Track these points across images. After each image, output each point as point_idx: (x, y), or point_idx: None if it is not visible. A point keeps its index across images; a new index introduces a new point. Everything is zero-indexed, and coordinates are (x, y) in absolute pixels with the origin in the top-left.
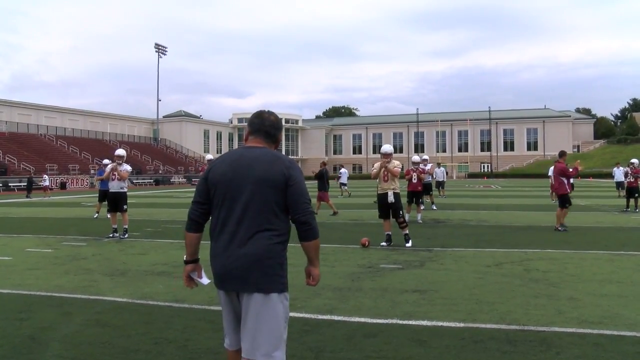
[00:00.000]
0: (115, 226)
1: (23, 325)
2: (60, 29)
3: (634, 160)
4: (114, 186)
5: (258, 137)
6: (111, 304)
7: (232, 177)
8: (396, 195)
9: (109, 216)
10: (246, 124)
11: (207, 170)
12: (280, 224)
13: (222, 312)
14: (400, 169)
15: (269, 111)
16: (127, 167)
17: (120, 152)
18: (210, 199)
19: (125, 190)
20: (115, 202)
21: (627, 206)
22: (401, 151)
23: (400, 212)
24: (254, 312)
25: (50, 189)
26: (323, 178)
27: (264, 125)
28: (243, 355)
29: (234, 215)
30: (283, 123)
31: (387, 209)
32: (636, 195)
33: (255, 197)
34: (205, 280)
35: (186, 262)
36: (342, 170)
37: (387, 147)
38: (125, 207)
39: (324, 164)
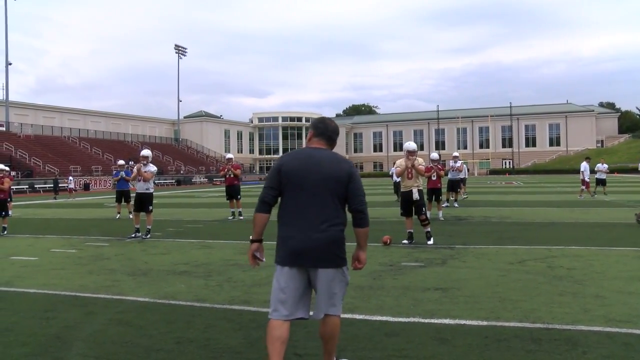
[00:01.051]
0: (138, 226)
1: (49, 324)
2: (81, 32)
3: None
4: (140, 187)
5: (321, 140)
6: (133, 304)
7: (304, 171)
8: (420, 192)
9: (131, 216)
10: (266, 123)
11: (279, 164)
12: (341, 212)
13: (279, 286)
14: (423, 167)
15: (330, 118)
16: (151, 168)
17: (145, 152)
18: (280, 188)
19: (152, 191)
20: (141, 202)
21: None
22: (422, 148)
23: (423, 210)
24: (327, 282)
25: (75, 191)
26: None
27: (328, 131)
28: (327, 311)
29: (306, 204)
30: (303, 122)
31: (410, 206)
32: None
33: (324, 190)
34: (264, 259)
35: (252, 241)
36: None
37: (411, 145)
38: (150, 207)
39: None
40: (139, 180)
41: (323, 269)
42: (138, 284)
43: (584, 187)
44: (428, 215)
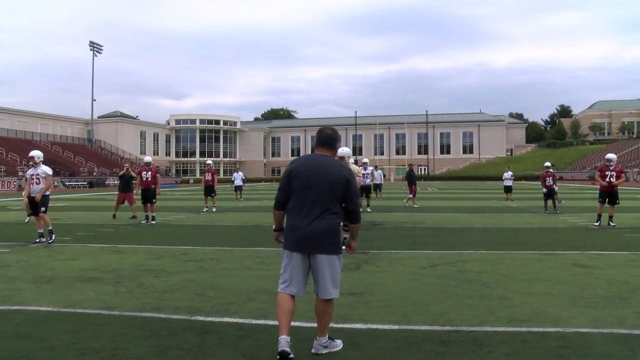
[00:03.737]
0: (41, 230)
1: None
2: None
3: (548, 164)
4: (34, 190)
5: (321, 147)
6: (34, 314)
7: (312, 175)
8: None
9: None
10: (184, 126)
11: (290, 169)
12: (339, 209)
13: (288, 268)
14: (360, 178)
15: (326, 127)
16: (45, 169)
17: (32, 152)
18: (290, 189)
19: (47, 193)
20: (35, 205)
21: (546, 208)
22: None
23: None
24: (323, 267)
25: None
26: (128, 180)
27: (322, 138)
28: (320, 296)
29: (310, 200)
30: (221, 125)
31: None
32: (554, 197)
33: (325, 190)
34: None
35: (275, 230)
36: (236, 174)
37: (345, 150)
38: (43, 209)
39: (127, 166)
40: (33, 184)
41: (320, 254)
42: (41, 292)
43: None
44: None
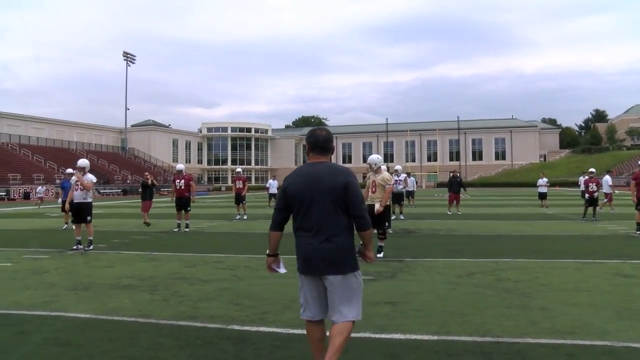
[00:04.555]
0: (79, 238)
1: None
2: (22, 37)
3: (593, 170)
4: (77, 196)
5: (316, 152)
6: (73, 321)
7: (306, 189)
8: (387, 207)
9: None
10: (215, 134)
11: (284, 186)
12: (346, 221)
13: (302, 292)
14: (391, 186)
15: (319, 128)
16: (91, 177)
17: (82, 162)
18: (289, 207)
19: (89, 200)
20: (79, 212)
21: (584, 215)
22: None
23: (386, 224)
24: (339, 288)
25: (41, 200)
26: (146, 188)
27: (318, 142)
28: (336, 320)
29: (312, 217)
30: (252, 133)
31: (372, 219)
32: (595, 204)
33: (326, 203)
34: (282, 270)
35: (269, 255)
36: (271, 181)
37: (372, 158)
38: (89, 218)
39: (147, 175)
40: (76, 190)
41: (332, 275)
42: (79, 299)
43: (606, 200)
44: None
